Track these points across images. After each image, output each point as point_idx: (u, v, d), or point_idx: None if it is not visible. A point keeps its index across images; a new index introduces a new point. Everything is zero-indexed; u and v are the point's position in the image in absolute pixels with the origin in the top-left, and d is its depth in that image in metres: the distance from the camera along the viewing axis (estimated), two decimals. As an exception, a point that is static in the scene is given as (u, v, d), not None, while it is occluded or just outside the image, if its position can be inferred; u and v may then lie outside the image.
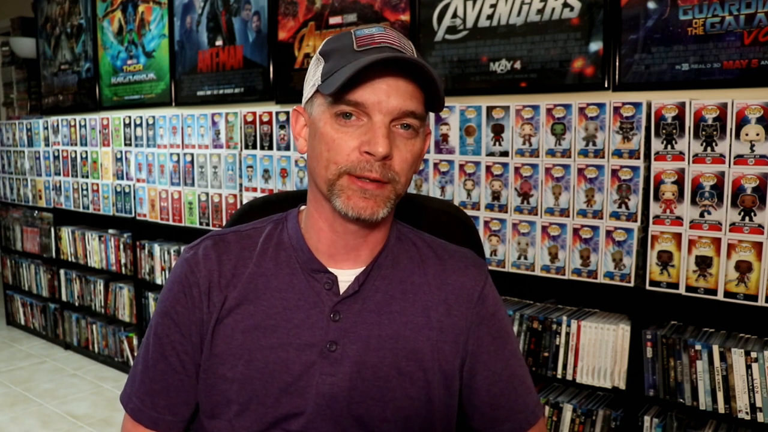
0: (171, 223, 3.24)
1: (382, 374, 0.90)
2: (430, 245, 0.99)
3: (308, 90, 0.90)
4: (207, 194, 3.04)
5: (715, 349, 1.77)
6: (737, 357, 1.74)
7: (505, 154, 2.12)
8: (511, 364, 0.97)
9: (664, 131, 1.83)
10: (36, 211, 4.25)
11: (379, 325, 0.91)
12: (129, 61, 3.76)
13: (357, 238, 0.91)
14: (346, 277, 0.92)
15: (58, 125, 3.96)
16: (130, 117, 3.47)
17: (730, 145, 1.74)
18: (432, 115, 2.25)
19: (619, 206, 1.92)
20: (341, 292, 0.91)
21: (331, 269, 0.92)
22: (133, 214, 3.48)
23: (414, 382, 0.91)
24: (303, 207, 0.98)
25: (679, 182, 1.81)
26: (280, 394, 0.89)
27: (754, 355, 1.72)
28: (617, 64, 2.05)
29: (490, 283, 0.99)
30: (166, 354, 0.93)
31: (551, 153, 2.03)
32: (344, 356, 0.89)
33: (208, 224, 3.05)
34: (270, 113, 2.80)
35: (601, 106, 1.93)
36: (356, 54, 0.83)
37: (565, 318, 2.04)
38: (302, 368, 0.89)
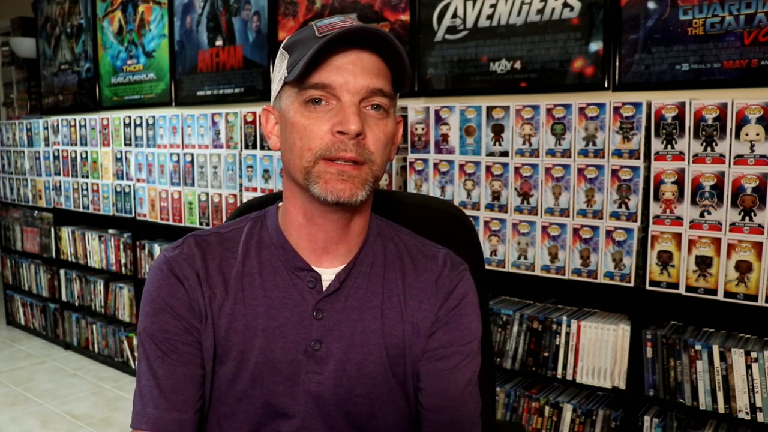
0: (171, 223, 3.24)
1: (368, 371, 0.90)
2: (405, 242, 0.98)
3: (276, 86, 0.90)
4: (207, 194, 3.04)
5: (715, 349, 1.77)
6: (737, 357, 1.74)
7: (505, 154, 2.12)
8: (465, 361, 0.93)
9: (664, 131, 1.83)
10: (36, 211, 4.25)
11: (362, 321, 0.91)
12: (129, 61, 3.76)
13: (336, 228, 0.90)
14: (327, 275, 0.92)
15: (58, 125, 3.96)
16: (130, 117, 3.47)
17: (730, 145, 1.74)
18: (432, 115, 2.25)
19: (619, 206, 1.92)
20: (323, 290, 0.91)
21: (313, 267, 0.91)
22: (133, 214, 3.48)
23: (396, 376, 0.91)
24: (281, 203, 0.97)
25: (679, 182, 1.81)
26: (270, 395, 0.89)
27: (754, 355, 1.72)
28: (617, 64, 2.05)
29: (463, 280, 0.96)
30: (171, 348, 0.88)
31: (551, 153, 2.03)
32: (329, 354, 0.89)
33: (208, 224, 3.05)
34: (270, 113, 2.79)
35: (601, 106, 1.93)
36: (318, 40, 0.82)
37: (565, 318, 2.04)
38: (289, 368, 0.89)
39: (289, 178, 0.90)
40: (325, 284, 0.91)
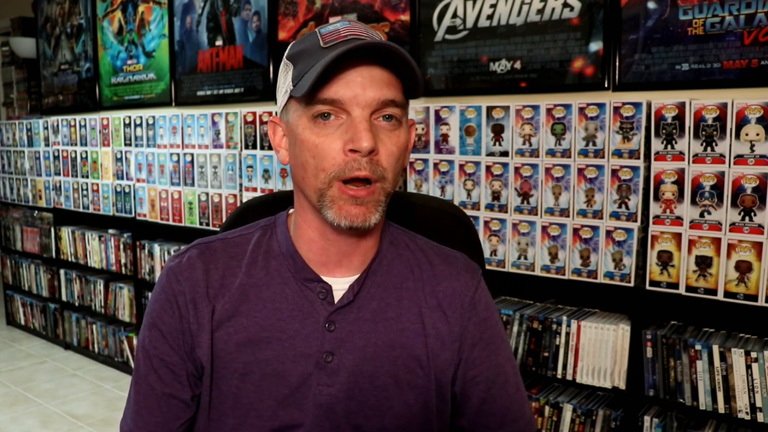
0: (171, 223, 3.24)
1: (380, 383, 0.88)
2: (422, 249, 0.97)
3: (281, 98, 0.87)
4: (207, 194, 3.04)
5: (715, 349, 1.77)
6: (737, 357, 1.74)
7: (505, 154, 2.12)
8: (506, 371, 0.95)
9: (664, 131, 1.83)
10: (36, 211, 4.25)
11: (376, 333, 0.89)
12: (129, 61, 3.76)
13: (349, 244, 0.89)
14: (339, 285, 0.90)
15: (58, 125, 3.96)
16: (130, 117, 3.47)
17: (730, 145, 1.74)
18: (432, 115, 2.25)
19: (619, 206, 1.92)
20: (335, 301, 0.89)
21: (324, 278, 0.89)
22: (133, 214, 3.48)
23: (412, 389, 0.90)
24: (291, 210, 0.95)
25: (679, 182, 1.81)
26: (278, 407, 0.88)
27: (754, 355, 1.72)
28: (617, 64, 2.05)
29: (482, 287, 0.96)
30: (155, 367, 0.90)
31: (551, 153, 2.03)
32: (341, 366, 0.88)
33: (208, 224, 3.05)
34: (270, 113, 2.80)
35: (601, 106, 1.93)
36: (324, 51, 0.80)
37: (565, 318, 2.04)
38: (299, 380, 0.87)
39: (301, 194, 0.88)
40: (338, 294, 0.89)
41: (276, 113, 0.92)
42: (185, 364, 0.90)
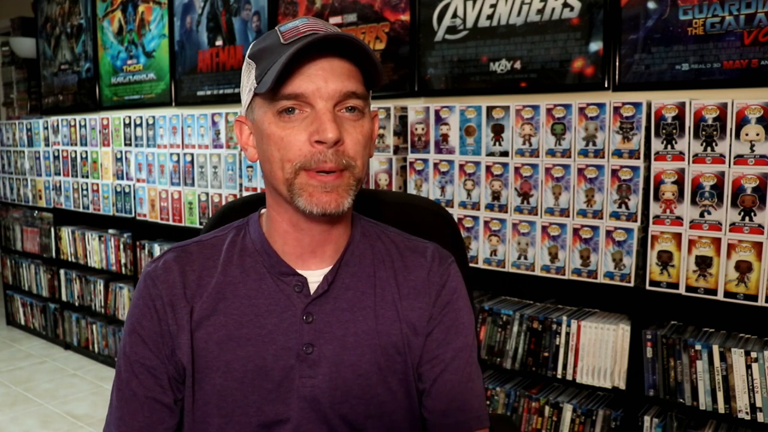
0: (171, 223, 3.24)
1: (362, 371, 0.89)
2: (393, 240, 0.98)
3: (246, 97, 0.89)
4: (207, 194, 3.04)
5: (715, 349, 1.77)
6: (737, 357, 1.74)
7: (505, 154, 2.12)
8: (462, 357, 0.95)
9: (664, 131, 1.83)
10: (36, 211, 4.25)
11: (354, 323, 0.90)
12: (129, 61, 3.76)
13: (322, 233, 0.90)
14: (314, 277, 0.91)
15: (58, 125, 3.96)
16: (130, 117, 3.47)
17: (730, 145, 1.74)
18: (432, 115, 2.25)
19: (619, 206, 1.92)
20: (311, 293, 0.90)
21: (299, 271, 0.91)
22: (133, 214, 3.48)
23: (394, 375, 0.91)
24: (263, 210, 0.96)
25: (679, 182, 1.81)
26: (262, 402, 0.88)
27: (754, 355, 1.72)
28: (617, 64, 2.05)
29: (451, 274, 0.97)
30: (137, 372, 0.90)
31: (551, 153, 2.02)
32: (321, 357, 0.89)
33: (208, 224, 3.05)
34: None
35: (601, 106, 1.93)
36: (284, 47, 0.82)
37: (565, 318, 2.04)
38: (281, 374, 0.88)
39: (271, 188, 0.89)
40: (313, 286, 0.91)
41: (241, 112, 0.94)
42: (166, 367, 0.90)
